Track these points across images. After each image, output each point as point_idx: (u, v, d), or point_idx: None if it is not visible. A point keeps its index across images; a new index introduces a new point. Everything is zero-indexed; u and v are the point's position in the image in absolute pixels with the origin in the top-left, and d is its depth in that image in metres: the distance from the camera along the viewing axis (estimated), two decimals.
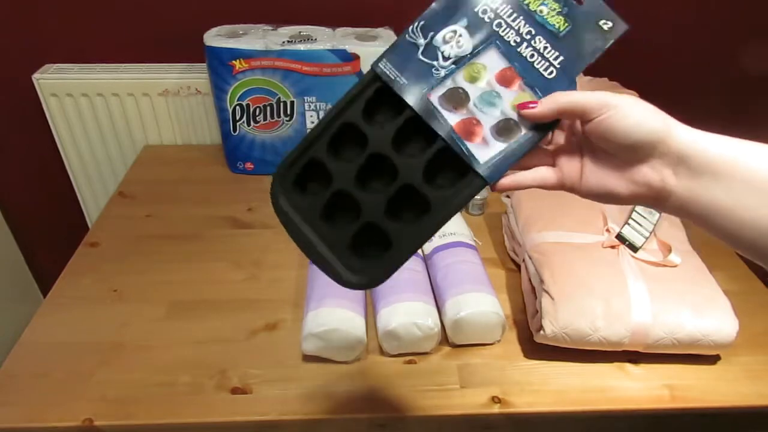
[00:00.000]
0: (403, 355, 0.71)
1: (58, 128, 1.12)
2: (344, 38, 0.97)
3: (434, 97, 0.44)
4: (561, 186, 0.44)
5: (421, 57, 0.44)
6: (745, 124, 1.33)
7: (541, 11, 0.43)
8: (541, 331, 0.68)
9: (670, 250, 0.75)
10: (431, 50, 0.44)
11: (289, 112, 1.00)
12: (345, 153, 0.47)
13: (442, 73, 0.44)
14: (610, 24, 0.43)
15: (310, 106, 0.99)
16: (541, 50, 0.43)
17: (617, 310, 0.68)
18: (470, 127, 0.44)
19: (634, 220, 0.79)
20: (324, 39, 0.96)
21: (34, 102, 1.09)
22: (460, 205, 0.45)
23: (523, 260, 0.80)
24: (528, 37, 0.43)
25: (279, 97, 0.99)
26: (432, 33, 0.44)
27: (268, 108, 1.00)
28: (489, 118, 0.44)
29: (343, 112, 0.46)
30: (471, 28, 0.44)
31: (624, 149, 0.40)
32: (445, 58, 0.44)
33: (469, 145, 0.44)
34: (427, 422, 0.65)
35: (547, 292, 0.70)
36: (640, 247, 0.75)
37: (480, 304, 0.70)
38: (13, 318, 1.09)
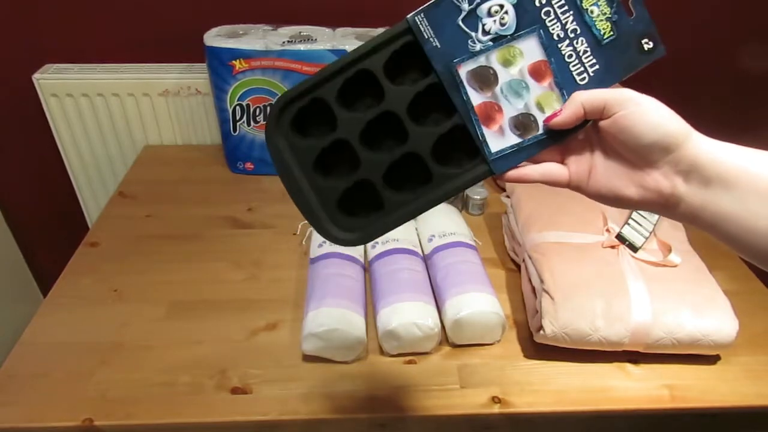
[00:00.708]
0: (403, 355, 0.71)
1: (58, 128, 1.12)
2: (344, 38, 0.97)
3: (463, 71, 0.42)
4: (567, 184, 0.43)
5: (460, 23, 0.42)
6: (747, 123, 1.33)
7: (591, 11, 0.41)
8: (541, 331, 0.68)
9: (670, 250, 0.75)
10: (473, 19, 0.42)
11: None
12: (356, 103, 0.44)
13: (478, 47, 0.42)
14: (651, 45, 0.41)
15: None
16: (581, 53, 0.42)
17: (617, 310, 0.68)
18: (491, 111, 0.43)
19: (634, 220, 0.79)
20: (324, 39, 0.96)
21: (34, 102, 1.09)
22: (460, 188, 0.44)
23: (523, 260, 0.80)
24: (572, 35, 0.42)
25: None
26: (478, 0, 0.41)
27: (268, 108, 1.00)
28: (511, 108, 0.43)
29: (363, 58, 0.43)
30: (519, 8, 0.41)
31: (639, 149, 0.39)
32: (485, 33, 0.42)
33: (485, 130, 0.43)
34: (427, 422, 0.65)
35: (547, 292, 0.70)
36: (640, 247, 0.75)
37: (480, 304, 0.70)
38: (13, 318, 1.10)
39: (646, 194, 0.40)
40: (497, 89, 0.43)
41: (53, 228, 1.30)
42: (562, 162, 0.44)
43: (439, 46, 0.42)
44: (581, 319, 0.67)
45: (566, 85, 0.42)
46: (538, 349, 0.71)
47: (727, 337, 0.67)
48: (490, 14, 0.42)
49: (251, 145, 1.04)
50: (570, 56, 0.42)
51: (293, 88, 0.44)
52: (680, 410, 0.66)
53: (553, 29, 0.42)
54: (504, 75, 0.42)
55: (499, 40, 0.42)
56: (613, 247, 0.76)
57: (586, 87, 0.42)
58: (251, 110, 1.00)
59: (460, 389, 0.67)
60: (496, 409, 0.65)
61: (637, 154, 0.39)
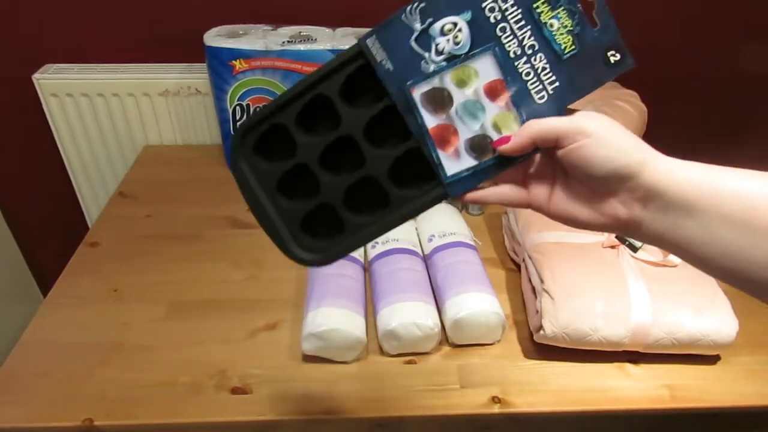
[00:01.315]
0: (403, 355, 0.71)
1: (58, 128, 1.12)
2: (344, 38, 0.97)
3: (417, 93, 0.41)
4: (527, 206, 0.43)
5: (413, 44, 0.41)
6: (744, 123, 1.33)
7: (551, 25, 0.39)
8: (541, 331, 0.68)
9: None
10: (425, 39, 0.41)
11: None
12: (314, 127, 0.45)
13: (431, 68, 0.41)
14: (618, 57, 0.40)
15: None
16: (539, 70, 0.40)
17: (617, 310, 0.68)
18: (446, 134, 0.42)
19: None
20: (324, 39, 0.96)
21: (34, 102, 1.08)
22: (419, 210, 0.44)
23: (523, 260, 0.80)
24: (530, 51, 0.40)
25: None
26: (431, 19, 0.40)
27: None
28: (467, 130, 0.42)
29: (319, 83, 0.43)
30: (473, 25, 0.40)
31: (594, 180, 0.39)
32: (438, 53, 0.41)
33: (440, 153, 0.42)
34: (427, 422, 0.65)
35: (547, 292, 0.70)
36: (640, 247, 0.75)
37: (480, 304, 0.70)
38: (13, 318, 1.10)
39: (605, 220, 0.40)
40: (452, 111, 0.41)
41: (53, 228, 1.30)
42: (522, 184, 0.43)
43: (392, 69, 0.41)
44: (581, 319, 0.67)
45: (524, 105, 0.41)
46: (538, 349, 0.71)
47: (727, 337, 0.67)
48: (443, 33, 0.40)
49: None
50: (528, 74, 0.40)
51: (254, 113, 0.45)
52: (680, 410, 0.66)
53: (509, 46, 0.40)
54: (459, 96, 0.41)
55: (453, 59, 0.41)
56: (613, 247, 0.76)
57: (545, 106, 0.41)
58: (251, 110, 1.00)
59: (460, 389, 0.67)
60: (496, 409, 0.65)
61: (594, 183, 0.39)
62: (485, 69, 0.41)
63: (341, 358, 0.69)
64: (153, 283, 0.81)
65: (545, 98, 0.41)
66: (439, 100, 0.41)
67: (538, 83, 0.40)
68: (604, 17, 0.39)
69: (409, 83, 0.41)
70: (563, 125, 0.38)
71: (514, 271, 0.85)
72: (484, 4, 0.40)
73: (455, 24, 0.40)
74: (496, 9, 0.40)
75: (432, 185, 0.43)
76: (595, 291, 0.69)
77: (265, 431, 0.64)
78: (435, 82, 0.41)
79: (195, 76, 1.09)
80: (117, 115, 1.12)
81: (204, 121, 1.15)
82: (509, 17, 0.40)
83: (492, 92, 0.41)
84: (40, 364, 0.68)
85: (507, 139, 0.40)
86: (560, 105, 0.41)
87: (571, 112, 0.40)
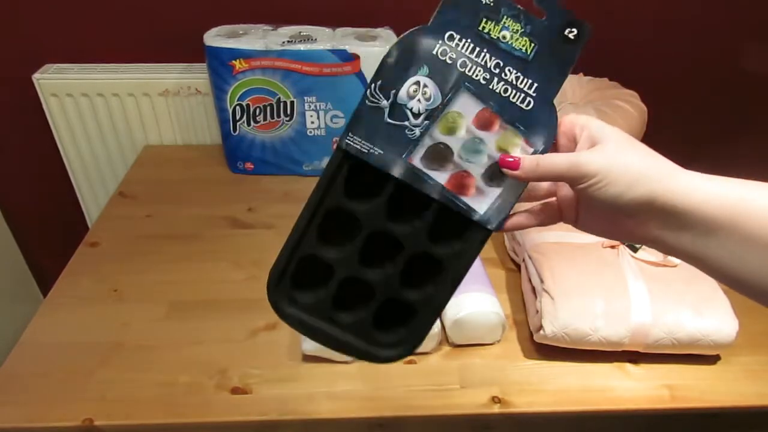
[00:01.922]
0: None
1: (58, 128, 1.12)
2: (344, 38, 0.97)
3: (416, 160, 0.41)
4: (560, 221, 0.44)
5: (389, 120, 0.41)
6: (745, 123, 1.33)
7: (503, 37, 0.40)
8: (541, 331, 0.68)
9: None
10: (398, 110, 0.41)
11: (289, 112, 1.00)
12: (338, 238, 0.44)
13: (417, 132, 0.41)
14: (575, 31, 0.40)
15: (310, 106, 0.99)
16: (514, 81, 0.40)
17: (617, 310, 0.68)
18: (462, 180, 0.42)
19: None
20: (324, 39, 0.96)
21: (34, 102, 1.08)
22: (472, 257, 0.44)
23: (523, 260, 0.80)
24: (497, 70, 0.40)
25: (279, 97, 0.99)
26: (394, 91, 0.40)
27: (268, 108, 1.00)
28: (477, 167, 0.42)
29: (323, 200, 0.43)
30: (434, 75, 0.40)
31: (608, 212, 0.39)
32: (416, 115, 0.41)
33: (465, 199, 0.42)
34: (427, 422, 0.65)
35: (547, 292, 0.70)
36: (640, 247, 0.75)
37: (480, 304, 0.70)
38: (13, 318, 1.10)
39: (629, 237, 0.40)
40: (456, 158, 0.41)
41: (53, 228, 1.30)
42: (553, 203, 0.44)
43: (382, 152, 0.41)
44: (581, 319, 0.67)
45: (515, 118, 0.41)
46: (538, 349, 0.71)
47: (727, 337, 0.67)
48: (410, 96, 0.40)
49: (251, 145, 1.04)
50: (505, 90, 0.41)
51: (278, 260, 0.44)
52: (680, 410, 0.66)
53: (476, 76, 0.40)
54: (455, 142, 0.41)
55: (432, 113, 0.41)
56: (613, 247, 0.76)
57: (534, 109, 0.41)
58: (251, 110, 1.00)
59: (460, 389, 0.67)
60: (496, 409, 0.65)
61: (612, 213, 0.39)
62: (466, 106, 0.41)
63: (341, 358, 0.69)
64: (153, 283, 0.81)
65: (531, 103, 0.41)
66: (440, 156, 0.41)
67: (518, 93, 0.41)
68: (546, 3, 0.39)
69: (404, 156, 0.41)
70: (563, 167, 0.38)
71: (514, 271, 0.85)
72: (434, 51, 0.40)
73: (418, 83, 0.40)
74: (448, 50, 0.40)
75: (473, 230, 0.43)
76: (595, 291, 0.69)
77: (265, 431, 0.64)
78: (427, 143, 0.41)
79: (195, 76, 1.09)
80: (117, 115, 1.12)
81: (204, 121, 1.15)
82: (463, 50, 0.40)
83: (483, 123, 0.41)
84: (40, 364, 0.68)
85: (515, 165, 0.40)
86: (548, 100, 0.41)
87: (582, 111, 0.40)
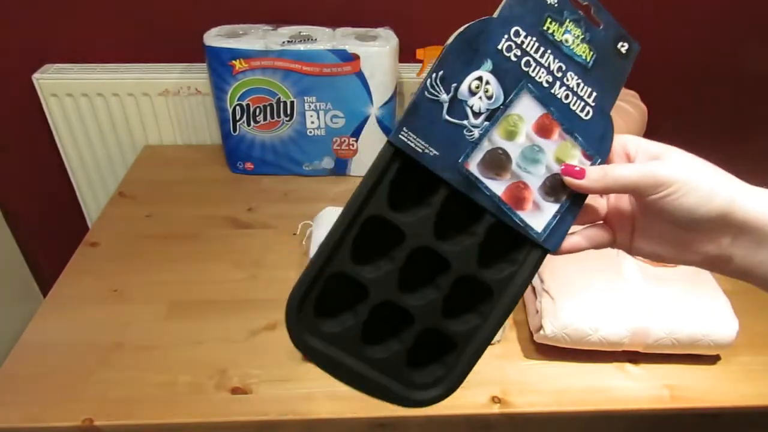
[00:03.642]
0: None
1: (58, 128, 1.12)
2: (344, 38, 0.97)
3: (473, 166, 0.37)
4: (612, 246, 0.41)
5: (447, 117, 0.36)
6: (745, 123, 1.33)
7: (566, 41, 0.38)
8: (541, 331, 0.68)
9: None
10: (458, 107, 0.36)
11: (289, 112, 1.00)
12: (372, 254, 0.38)
13: (476, 133, 0.37)
14: (626, 45, 0.39)
15: (310, 106, 0.99)
16: (575, 88, 0.38)
17: (617, 310, 0.68)
18: (518, 193, 0.38)
19: None
20: (324, 39, 0.96)
21: (34, 102, 1.08)
22: (525, 284, 0.39)
23: None
24: (560, 74, 0.38)
25: (279, 97, 0.99)
26: (455, 84, 0.36)
27: (268, 108, 1.00)
28: (535, 179, 0.38)
29: (364, 206, 0.37)
30: (497, 72, 0.37)
31: (682, 225, 0.36)
32: (476, 114, 0.37)
33: (521, 214, 0.38)
34: (427, 422, 0.65)
35: (547, 292, 0.70)
36: None
37: None
38: (13, 318, 1.09)
39: (692, 257, 0.38)
40: (514, 167, 0.38)
41: (53, 228, 1.30)
42: (607, 223, 0.41)
43: (438, 154, 0.36)
44: (581, 319, 0.67)
45: (575, 127, 0.38)
46: (538, 349, 0.71)
47: (727, 337, 0.67)
48: (472, 93, 0.36)
49: (251, 145, 1.04)
50: (566, 96, 0.38)
51: (302, 279, 0.37)
52: (680, 410, 0.66)
53: (539, 77, 0.37)
54: (514, 149, 0.38)
55: (493, 114, 0.37)
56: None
57: (593, 120, 0.39)
58: (251, 110, 1.00)
59: (460, 389, 0.67)
60: (496, 409, 0.65)
61: (681, 229, 0.37)
62: (527, 109, 0.38)
63: None
64: (153, 283, 0.81)
65: (590, 113, 0.39)
66: (498, 163, 0.37)
67: (578, 101, 0.38)
68: (603, 14, 0.38)
69: (460, 160, 0.37)
70: (642, 177, 0.36)
71: None
72: (499, 46, 0.37)
73: (480, 79, 0.36)
74: (513, 46, 0.37)
75: (526, 251, 0.39)
76: (595, 291, 0.69)
77: (265, 431, 0.64)
78: (486, 146, 0.37)
79: (195, 76, 1.09)
80: (117, 115, 1.12)
81: (204, 121, 1.15)
82: (528, 49, 0.37)
83: (542, 130, 0.38)
84: (40, 364, 0.68)
85: (581, 174, 0.38)
86: (605, 112, 0.39)
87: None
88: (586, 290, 0.69)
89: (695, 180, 0.35)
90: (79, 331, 0.73)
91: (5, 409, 0.63)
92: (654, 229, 0.39)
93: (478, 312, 0.39)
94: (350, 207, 0.37)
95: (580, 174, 0.37)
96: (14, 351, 0.70)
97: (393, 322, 0.39)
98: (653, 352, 0.69)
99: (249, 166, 1.07)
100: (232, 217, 0.96)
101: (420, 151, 0.36)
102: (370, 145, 1.04)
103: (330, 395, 0.65)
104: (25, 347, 0.70)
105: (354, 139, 1.03)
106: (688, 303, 0.69)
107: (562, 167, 0.38)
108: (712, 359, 0.71)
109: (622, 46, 0.39)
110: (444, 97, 0.36)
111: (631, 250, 0.40)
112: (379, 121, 1.02)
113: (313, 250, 0.80)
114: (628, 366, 0.70)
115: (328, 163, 1.07)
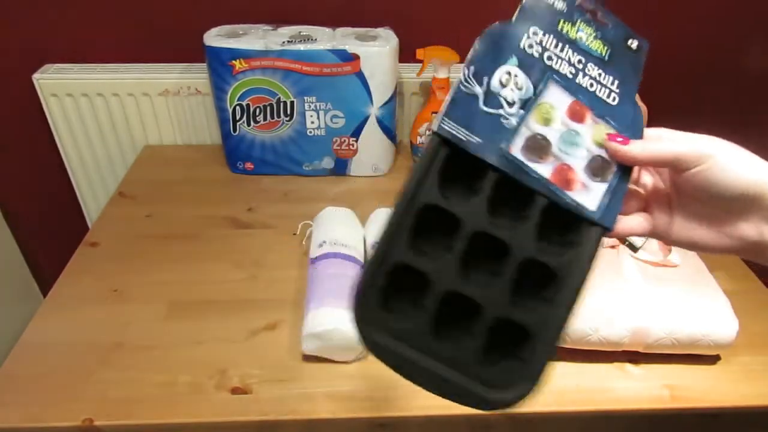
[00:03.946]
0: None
1: (58, 128, 1.12)
2: (344, 38, 0.97)
3: (516, 151, 0.39)
4: (652, 234, 0.42)
5: (484, 107, 0.39)
6: (746, 123, 1.33)
7: (580, 38, 0.41)
8: None
9: (670, 250, 0.75)
10: (492, 98, 0.39)
11: (289, 112, 1.00)
12: (428, 244, 0.38)
13: (514, 121, 0.39)
14: (636, 42, 0.42)
15: (310, 106, 0.99)
16: (597, 77, 0.41)
17: (617, 310, 0.68)
18: (564, 174, 0.39)
19: None
20: (324, 39, 0.96)
21: (34, 102, 1.08)
22: (590, 262, 0.39)
23: None
24: (581, 66, 0.41)
25: (279, 97, 0.99)
26: (486, 78, 0.39)
27: (268, 108, 1.00)
28: (578, 160, 0.40)
29: (417, 196, 0.37)
30: (524, 66, 0.40)
31: (720, 204, 0.37)
32: (510, 104, 0.39)
33: (571, 194, 0.39)
34: (427, 422, 0.65)
35: None
36: (640, 247, 0.75)
37: None
38: (13, 318, 1.09)
39: (731, 243, 0.38)
40: (555, 150, 0.40)
41: (53, 228, 1.30)
42: (647, 211, 0.42)
43: (480, 141, 0.38)
44: (581, 319, 0.67)
45: (605, 112, 0.41)
46: None
47: (727, 337, 0.67)
48: (503, 85, 0.39)
49: (251, 145, 1.04)
50: (591, 85, 0.41)
51: (366, 272, 0.37)
52: (680, 410, 0.66)
53: (563, 69, 0.40)
54: (552, 133, 0.40)
55: (527, 103, 0.39)
56: (613, 247, 0.76)
57: (620, 105, 0.41)
58: (251, 110, 1.00)
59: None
60: None
61: (719, 206, 0.38)
62: (557, 98, 0.40)
63: (341, 358, 0.69)
64: (153, 283, 0.81)
65: (617, 99, 0.41)
66: (539, 147, 0.39)
67: (603, 89, 0.41)
68: (608, 16, 0.41)
69: (502, 145, 0.39)
70: (682, 149, 0.37)
71: None
72: (521, 44, 0.40)
73: (509, 73, 0.39)
74: (534, 43, 0.40)
75: (581, 233, 0.39)
76: (595, 291, 0.69)
77: (265, 431, 0.64)
78: (525, 132, 0.39)
79: (195, 76, 1.09)
80: (117, 115, 1.12)
81: (204, 121, 1.15)
82: (547, 45, 0.40)
83: (575, 115, 0.40)
84: (40, 364, 0.68)
85: (625, 141, 0.39)
86: (631, 98, 0.41)
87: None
88: (586, 290, 0.69)
89: (733, 152, 0.36)
90: (79, 331, 0.73)
91: (5, 409, 0.63)
92: (691, 209, 0.40)
93: (542, 298, 0.39)
94: (403, 197, 0.37)
95: (625, 141, 0.39)
96: (14, 351, 0.70)
97: (456, 316, 0.38)
98: (653, 352, 0.69)
99: (249, 166, 1.07)
100: (232, 217, 0.96)
101: (464, 138, 0.38)
102: (370, 145, 1.04)
103: (330, 395, 0.65)
104: (25, 347, 0.70)
105: (354, 139, 1.03)
106: (688, 303, 0.69)
107: (606, 138, 0.40)
108: (712, 359, 0.71)
109: (632, 42, 0.42)
110: (478, 89, 0.39)
111: (671, 237, 0.41)
112: (379, 121, 1.02)
113: (314, 250, 0.80)
114: (628, 366, 0.70)
115: (328, 163, 1.07)
